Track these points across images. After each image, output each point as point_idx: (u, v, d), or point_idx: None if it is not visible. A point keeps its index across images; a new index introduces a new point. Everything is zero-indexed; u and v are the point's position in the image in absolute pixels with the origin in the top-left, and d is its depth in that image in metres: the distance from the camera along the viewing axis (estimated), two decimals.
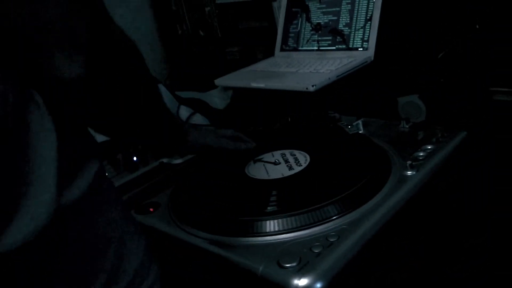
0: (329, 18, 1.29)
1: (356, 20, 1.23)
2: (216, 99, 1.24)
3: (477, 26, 1.13)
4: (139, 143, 0.86)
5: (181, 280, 0.70)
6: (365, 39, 1.21)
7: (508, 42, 1.01)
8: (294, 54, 1.36)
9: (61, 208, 0.45)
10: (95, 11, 0.48)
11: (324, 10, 1.30)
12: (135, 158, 0.92)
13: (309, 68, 1.20)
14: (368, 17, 1.21)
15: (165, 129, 0.69)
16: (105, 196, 0.54)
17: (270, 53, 1.44)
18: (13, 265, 0.44)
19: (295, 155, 0.79)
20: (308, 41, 1.33)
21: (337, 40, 1.27)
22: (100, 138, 1.05)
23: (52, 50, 0.43)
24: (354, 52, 1.22)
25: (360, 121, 0.84)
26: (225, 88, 1.29)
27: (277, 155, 0.81)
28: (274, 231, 0.64)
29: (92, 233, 0.51)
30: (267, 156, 0.81)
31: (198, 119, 1.14)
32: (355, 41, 1.23)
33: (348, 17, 1.25)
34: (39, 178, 0.43)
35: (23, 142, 0.43)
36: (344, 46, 1.25)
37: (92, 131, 0.59)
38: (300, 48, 1.35)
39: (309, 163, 0.76)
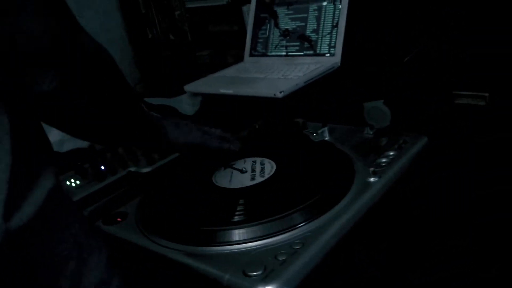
0: (297, 24, 1.30)
1: (323, 26, 1.25)
2: (186, 105, 1.24)
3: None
4: (118, 146, 0.86)
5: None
6: (332, 45, 1.23)
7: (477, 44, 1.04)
8: (263, 59, 1.37)
9: (11, 231, 0.44)
10: (63, 26, 0.48)
11: (292, 16, 1.31)
12: (102, 167, 0.92)
13: (278, 74, 1.21)
14: (334, 24, 1.23)
15: (142, 131, 0.70)
16: (62, 212, 0.53)
17: (240, 57, 1.45)
18: None
19: (264, 164, 0.80)
20: (276, 46, 1.35)
21: (305, 46, 1.29)
22: (66, 146, 1.04)
23: (21, 66, 0.44)
24: (321, 58, 1.24)
25: (325, 129, 0.86)
26: (195, 94, 1.29)
27: (248, 162, 0.82)
28: (239, 240, 0.65)
29: (48, 252, 0.50)
30: (239, 163, 0.82)
31: None
32: (322, 47, 1.25)
33: (315, 23, 1.26)
34: None
35: None
36: (311, 52, 1.27)
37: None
38: (269, 54, 1.36)
39: (274, 172, 0.77)
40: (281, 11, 1.34)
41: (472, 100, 1.10)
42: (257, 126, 0.94)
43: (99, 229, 0.77)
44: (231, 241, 0.65)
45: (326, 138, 0.86)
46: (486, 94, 1.11)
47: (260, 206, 0.70)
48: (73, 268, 0.52)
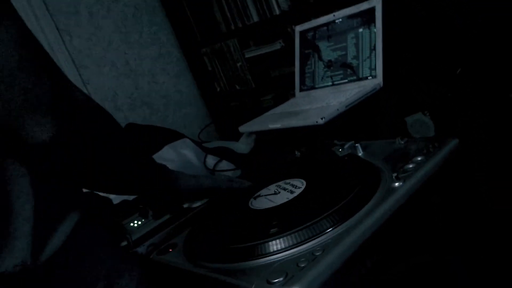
0: (338, 54, 1.36)
1: (362, 51, 1.29)
2: (241, 145, 1.32)
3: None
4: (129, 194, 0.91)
5: None
6: (373, 67, 1.26)
7: None
8: (312, 92, 1.43)
9: (41, 261, 0.53)
10: (55, 80, 0.56)
11: (333, 47, 1.37)
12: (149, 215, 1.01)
13: (322, 103, 1.26)
14: (372, 47, 1.26)
15: (148, 179, 0.75)
16: (89, 241, 0.61)
17: None
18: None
19: (290, 182, 0.85)
20: (323, 78, 1.40)
21: (348, 72, 1.33)
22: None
23: (21, 118, 0.53)
24: (364, 82, 1.27)
25: (352, 143, 0.89)
26: (250, 133, 1.37)
27: (272, 187, 0.87)
28: (266, 253, 0.69)
29: (77, 276, 0.58)
30: (264, 191, 0.87)
31: (224, 165, 1.22)
32: (364, 71, 1.28)
33: (355, 50, 1.31)
34: (15, 236, 0.52)
35: (6, 205, 0.53)
36: (354, 78, 1.31)
37: None
38: (316, 86, 1.42)
39: (303, 189, 0.81)
40: (322, 44, 1.40)
41: None
42: (297, 153, 0.99)
43: (153, 260, 0.85)
44: (258, 255, 0.69)
45: (359, 153, 0.88)
46: None
47: (285, 220, 0.74)
48: (104, 286, 0.60)
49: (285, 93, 1.97)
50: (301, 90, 1.48)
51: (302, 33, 1.46)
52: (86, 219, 0.62)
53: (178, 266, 0.79)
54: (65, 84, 0.58)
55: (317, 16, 1.43)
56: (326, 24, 1.39)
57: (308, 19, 1.47)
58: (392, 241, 0.71)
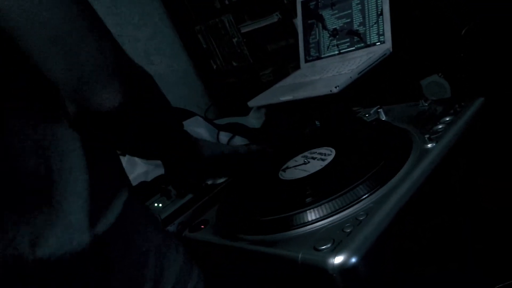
0: (343, 22, 1.34)
1: (369, 17, 1.28)
2: (252, 120, 1.31)
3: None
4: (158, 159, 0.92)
5: (229, 281, 0.76)
6: (381, 33, 1.25)
7: None
8: (318, 62, 1.41)
9: (98, 234, 0.54)
10: (114, 44, 0.55)
11: (337, 15, 1.36)
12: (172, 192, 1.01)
13: (332, 72, 1.25)
14: (379, 12, 1.25)
15: (181, 147, 0.75)
16: (137, 218, 0.62)
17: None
18: (52, 276, 0.52)
19: (323, 152, 0.85)
20: (328, 47, 1.39)
21: (355, 40, 1.32)
22: (151, 176, 1.15)
23: (91, 84, 0.52)
24: (372, 48, 1.26)
25: (377, 109, 0.89)
26: (259, 108, 1.36)
27: (299, 158, 0.87)
28: (308, 221, 0.69)
29: (130, 249, 0.59)
30: (291, 162, 0.87)
31: (237, 140, 1.21)
32: (372, 37, 1.27)
33: (361, 16, 1.29)
34: (69, 211, 0.53)
35: (58, 181, 0.53)
36: (362, 45, 1.30)
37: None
38: (322, 56, 1.41)
39: (334, 156, 0.81)
40: (326, 13, 1.38)
41: None
42: (317, 123, 0.98)
43: (185, 238, 0.85)
44: (301, 223, 0.69)
45: (382, 118, 0.88)
46: None
47: (323, 187, 0.74)
48: (155, 261, 0.61)
49: (285, 66, 1.95)
50: (306, 61, 1.46)
51: (304, 3, 1.44)
52: (132, 198, 0.61)
53: (213, 242, 0.79)
54: (120, 49, 0.57)
55: None
56: None
57: None
58: (426, 203, 0.72)
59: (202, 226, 0.85)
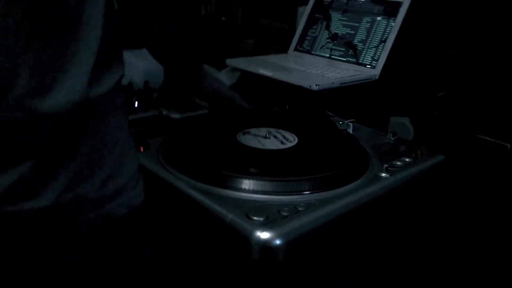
0: (347, 31, 1.35)
1: (372, 38, 1.30)
2: (224, 77, 1.29)
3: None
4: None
5: (157, 214, 0.75)
6: (375, 58, 1.27)
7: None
8: (306, 56, 1.42)
9: (90, 98, 0.53)
10: None
11: (344, 22, 1.36)
12: (136, 104, 0.97)
13: (317, 71, 1.26)
14: (383, 38, 1.27)
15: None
16: (118, 103, 0.61)
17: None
18: (49, 126, 0.52)
19: (281, 133, 0.85)
20: (322, 47, 1.40)
21: (349, 53, 1.33)
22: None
23: None
24: (362, 68, 1.28)
25: (349, 121, 0.90)
26: (234, 69, 1.34)
27: (263, 130, 0.87)
28: (250, 189, 0.69)
29: (105, 128, 0.58)
30: (254, 130, 0.87)
31: None
32: (366, 58, 1.29)
33: (365, 34, 1.31)
34: (80, 62, 0.51)
35: (86, 22, 0.52)
36: (354, 60, 1.31)
37: None
38: (313, 52, 1.41)
39: (296, 143, 0.82)
40: (335, 15, 1.39)
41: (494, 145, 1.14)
42: (287, 107, 0.99)
43: None
44: (241, 188, 0.69)
45: (349, 131, 0.90)
46: (508, 145, 1.14)
47: (276, 166, 0.74)
48: (118, 152, 0.60)
49: (268, 45, 1.94)
50: (296, 49, 1.46)
51: None
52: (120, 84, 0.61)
53: (151, 170, 0.77)
54: None
55: None
56: None
57: None
58: (371, 221, 0.74)
59: (142, 149, 0.83)
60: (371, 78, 1.24)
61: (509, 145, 1.13)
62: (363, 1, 1.34)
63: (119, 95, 0.61)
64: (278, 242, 0.61)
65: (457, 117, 1.21)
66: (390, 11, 1.28)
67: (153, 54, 0.76)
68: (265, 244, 0.61)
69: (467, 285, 0.88)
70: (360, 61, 1.30)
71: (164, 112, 0.95)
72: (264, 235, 0.61)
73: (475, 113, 1.22)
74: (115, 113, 0.60)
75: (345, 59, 1.33)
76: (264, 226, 0.62)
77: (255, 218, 0.63)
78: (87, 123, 0.56)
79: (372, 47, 1.29)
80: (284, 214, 0.65)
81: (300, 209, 0.66)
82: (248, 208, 0.65)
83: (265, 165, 0.75)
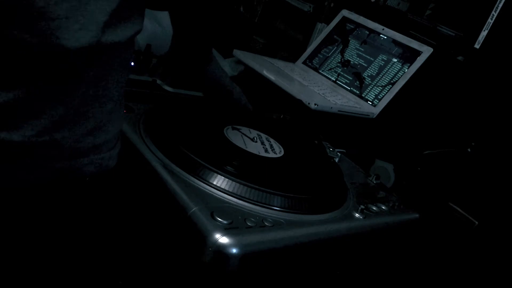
0: (360, 62, 1.33)
1: (381, 77, 1.28)
2: (226, 66, 1.26)
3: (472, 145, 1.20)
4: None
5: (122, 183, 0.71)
6: (379, 97, 1.25)
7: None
8: (312, 72, 1.39)
9: (102, 42, 0.51)
10: None
11: (360, 52, 1.34)
12: (132, 63, 0.92)
13: (319, 90, 1.23)
14: (392, 81, 1.25)
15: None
16: (125, 60, 0.58)
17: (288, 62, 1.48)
18: (69, 63, 0.50)
19: (270, 141, 0.82)
20: (331, 69, 1.37)
21: (355, 83, 1.31)
22: None
23: None
24: (362, 102, 1.26)
25: (339, 151, 0.88)
26: (238, 62, 1.31)
27: (254, 132, 0.84)
28: (223, 188, 0.65)
29: (104, 81, 0.55)
30: (245, 130, 0.83)
31: None
32: (369, 94, 1.27)
33: (376, 71, 1.29)
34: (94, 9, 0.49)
35: None
36: (357, 92, 1.29)
37: None
38: (320, 71, 1.38)
39: (282, 155, 0.79)
40: (353, 42, 1.36)
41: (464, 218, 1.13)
42: (282, 116, 0.95)
43: None
44: (212, 183, 0.66)
45: (336, 160, 0.88)
46: (476, 222, 1.14)
47: (251, 171, 0.71)
48: (109, 108, 0.58)
49: (276, 50, 1.92)
50: (304, 62, 1.44)
51: (344, 19, 1.42)
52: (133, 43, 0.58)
53: (129, 137, 0.73)
54: None
55: (369, 15, 1.39)
56: (371, 30, 1.35)
57: (357, 11, 1.43)
58: (330, 257, 0.72)
59: (125, 111, 0.78)
60: (369, 115, 1.22)
61: (476, 222, 1.13)
62: (385, 38, 1.32)
63: (129, 51, 0.58)
64: (234, 251, 0.57)
65: (435, 180, 1.20)
66: (408, 57, 1.26)
67: (172, 18, 0.72)
68: (221, 249, 0.57)
69: None
70: (363, 95, 1.28)
71: (159, 81, 0.91)
72: (223, 239, 0.57)
73: (451, 181, 1.22)
74: (119, 69, 0.57)
75: (349, 88, 1.31)
76: (225, 231, 0.58)
77: (219, 219, 0.59)
78: (90, 69, 0.52)
79: (379, 86, 1.27)
80: (249, 224, 0.61)
81: (266, 224, 0.63)
82: (215, 207, 0.62)
83: (241, 166, 0.71)
